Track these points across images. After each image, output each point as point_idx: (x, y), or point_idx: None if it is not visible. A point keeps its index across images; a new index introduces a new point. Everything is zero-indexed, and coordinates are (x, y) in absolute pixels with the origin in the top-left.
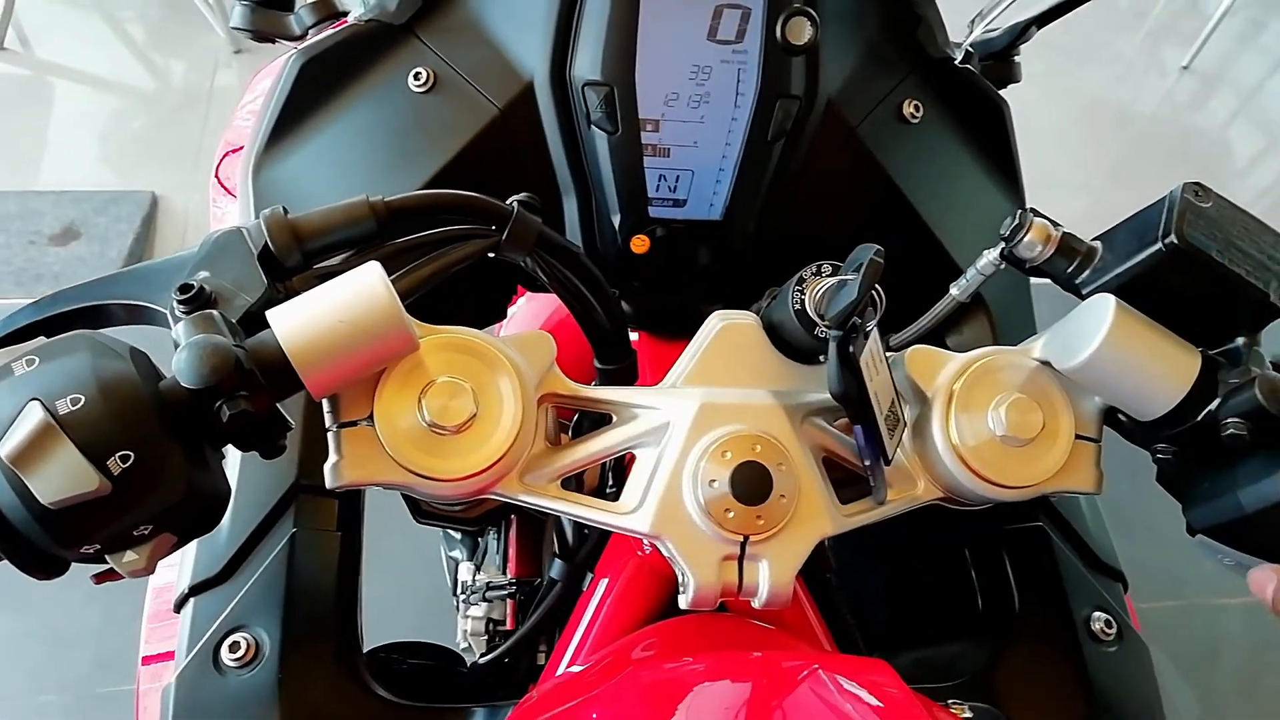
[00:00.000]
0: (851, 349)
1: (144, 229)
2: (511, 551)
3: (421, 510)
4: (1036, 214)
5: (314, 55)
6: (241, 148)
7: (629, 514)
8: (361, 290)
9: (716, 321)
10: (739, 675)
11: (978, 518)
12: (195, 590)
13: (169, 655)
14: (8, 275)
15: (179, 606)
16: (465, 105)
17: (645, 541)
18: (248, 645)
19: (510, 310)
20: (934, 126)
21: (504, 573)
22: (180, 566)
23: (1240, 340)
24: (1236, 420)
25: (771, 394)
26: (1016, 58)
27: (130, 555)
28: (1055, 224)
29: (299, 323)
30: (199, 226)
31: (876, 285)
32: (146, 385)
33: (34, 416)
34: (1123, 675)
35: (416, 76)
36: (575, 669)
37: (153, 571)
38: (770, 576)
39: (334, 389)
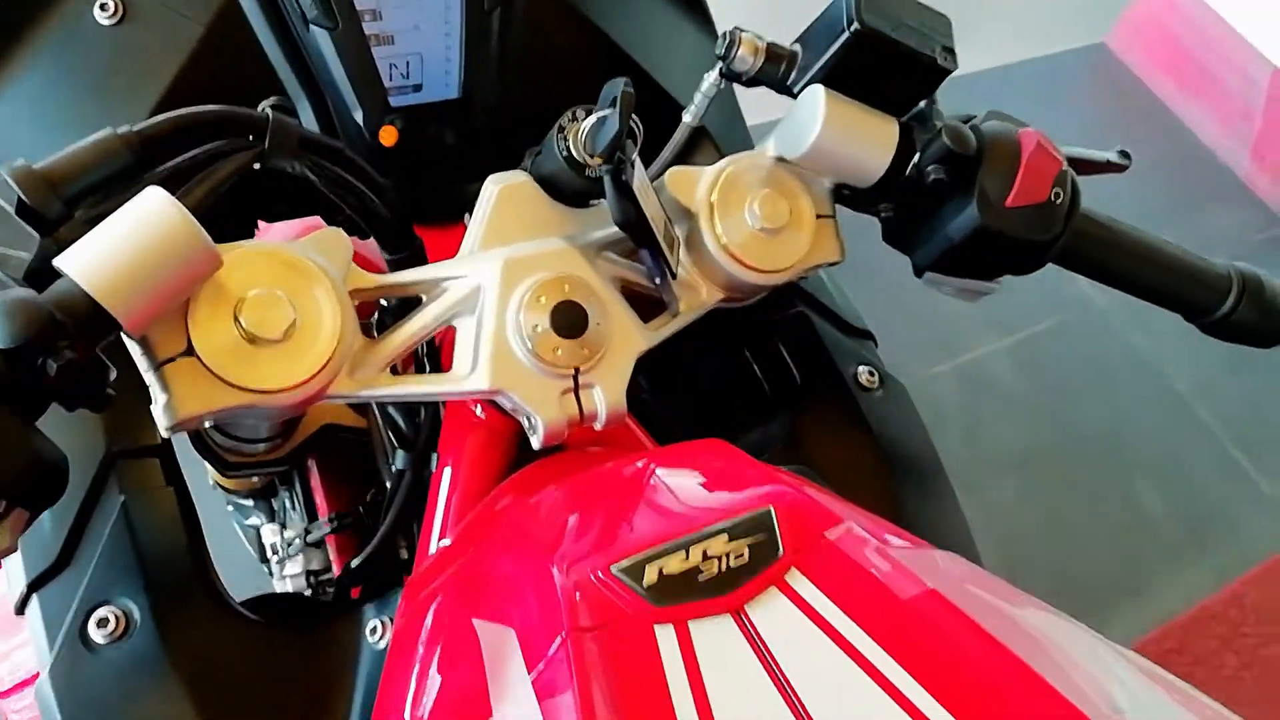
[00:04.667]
0: (624, 178)
1: None
2: (318, 496)
3: (227, 463)
4: (741, 30)
5: None
6: None
7: (465, 379)
8: (152, 215)
9: (492, 186)
10: (604, 486)
11: (750, 317)
12: (36, 585)
13: (29, 681)
14: None
15: (21, 608)
16: (165, 29)
17: (479, 408)
18: (116, 618)
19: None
20: None
21: (309, 520)
22: (7, 572)
23: (923, 104)
24: (935, 166)
25: (563, 240)
26: None
27: None
28: (759, 37)
29: (95, 262)
30: None
31: (634, 115)
32: None
33: None
34: (893, 414)
35: (102, 8)
36: (446, 542)
37: (15, 548)
38: (605, 398)
39: (148, 322)
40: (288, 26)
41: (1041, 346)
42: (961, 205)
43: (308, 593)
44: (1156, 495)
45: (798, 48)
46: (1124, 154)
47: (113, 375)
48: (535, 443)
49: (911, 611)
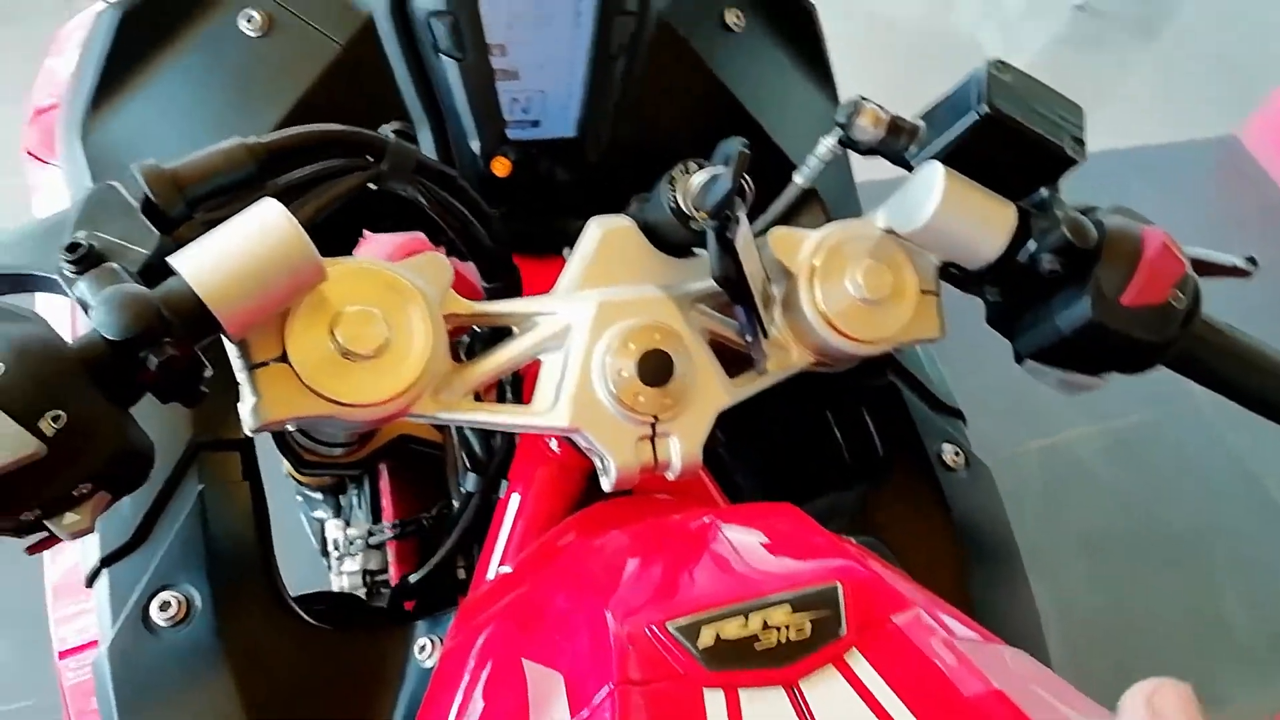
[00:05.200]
0: (729, 235)
1: None
2: (385, 500)
3: (304, 461)
4: (865, 100)
5: (134, 7)
6: (48, 109)
7: (545, 413)
8: (266, 225)
9: (595, 228)
10: (668, 538)
11: (837, 382)
12: (108, 561)
13: (89, 645)
14: None
15: (91, 581)
16: (305, 45)
17: (554, 441)
18: (179, 603)
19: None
20: (755, 33)
21: (374, 522)
22: (83, 546)
23: (1045, 191)
24: (1050, 257)
25: (658, 288)
26: None
27: (71, 516)
28: (882, 108)
29: (206, 264)
30: None
31: (744, 175)
32: (63, 344)
33: None
34: (975, 496)
35: (249, 20)
36: (506, 569)
37: (93, 530)
38: (681, 449)
39: (249, 327)
40: (419, 52)
41: (1135, 437)
42: (1074, 298)
43: (362, 591)
44: (1238, 601)
45: (921, 123)
46: (1251, 260)
47: (208, 373)
48: (606, 485)
49: (973, 710)
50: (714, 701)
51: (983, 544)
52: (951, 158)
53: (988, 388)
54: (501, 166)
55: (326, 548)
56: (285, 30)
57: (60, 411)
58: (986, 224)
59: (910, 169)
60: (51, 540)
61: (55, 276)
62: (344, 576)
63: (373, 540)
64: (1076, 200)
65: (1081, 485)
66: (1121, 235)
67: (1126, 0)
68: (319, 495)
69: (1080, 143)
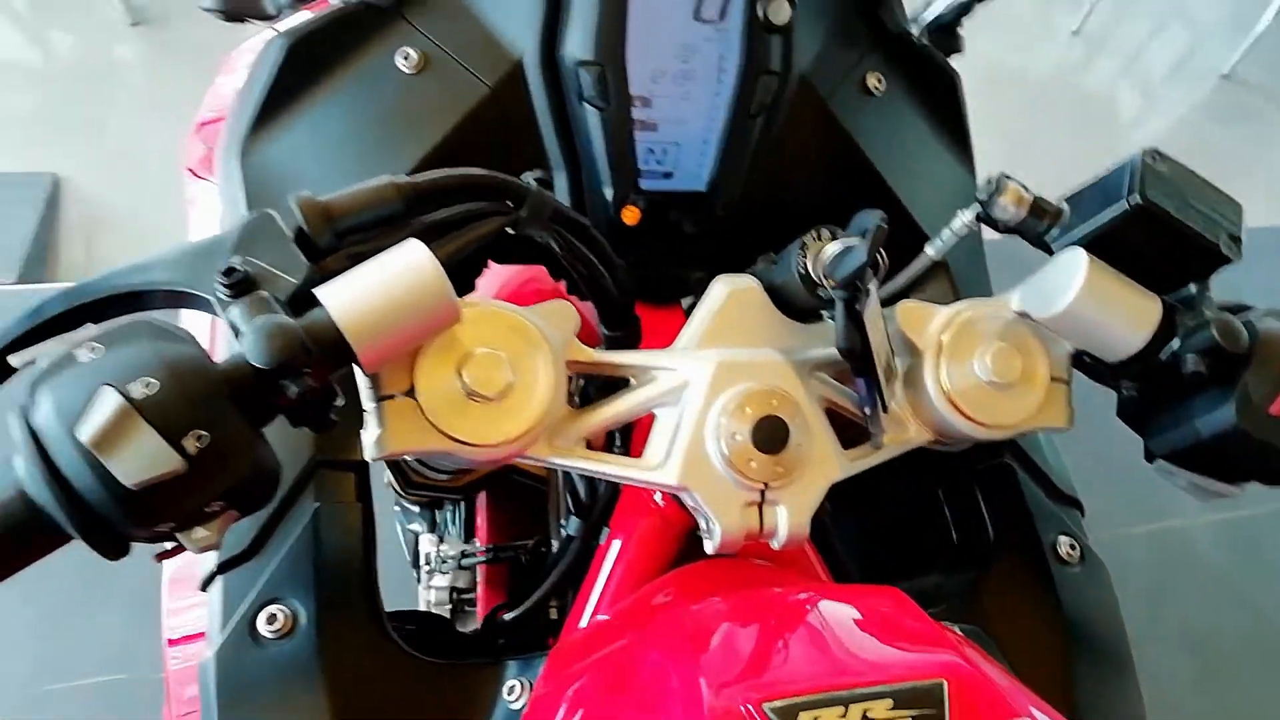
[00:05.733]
0: (857, 306)
1: (48, 211)
2: (480, 520)
3: (411, 482)
4: (1008, 178)
5: (301, 37)
6: (211, 122)
7: (655, 469)
8: (410, 266)
9: (721, 287)
10: (768, 610)
11: (951, 460)
12: (224, 568)
13: (195, 636)
14: None
15: (206, 585)
16: (455, 85)
17: (658, 495)
18: (285, 617)
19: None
20: (896, 98)
21: (465, 542)
22: None
23: (1194, 287)
24: (1195, 357)
25: (779, 352)
26: (960, 30)
27: (201, 531)
28: (1025, 187)
29: (350, 299)
30: (110, 208)
31: (881, 249)
32: (211, 365)
33: (110, 401)
34: (1089, 593)
35: (406, 58)
36: (601, 617)
37: (219, 545)
38: (789, 519)
39: (384, 362)
40: (563, 99)
41: (1254, 529)
42: (1217, 402)
43: (447, 608)
44: None
45: (1065, 206)
46: None
47: (339, 402)
48: (709, 547)
49: None
50: None
51: (1093, 643)
52: (1096, 245)
53: (1092, 462)
54: (631, 215)
55: (418, 560)
56: (439, 69)
57: (204, 431)
58: (1128, 316)
59: (1050, 252)
60: (179, 550)
61: (209, 297)
62: (431, 590)
63: (465, 561)
64: (1223, 293)
65: (1191, 576)
66: (1275, 341)
67: (1276, 72)
68: (416, 509)
69: (1236, 240)
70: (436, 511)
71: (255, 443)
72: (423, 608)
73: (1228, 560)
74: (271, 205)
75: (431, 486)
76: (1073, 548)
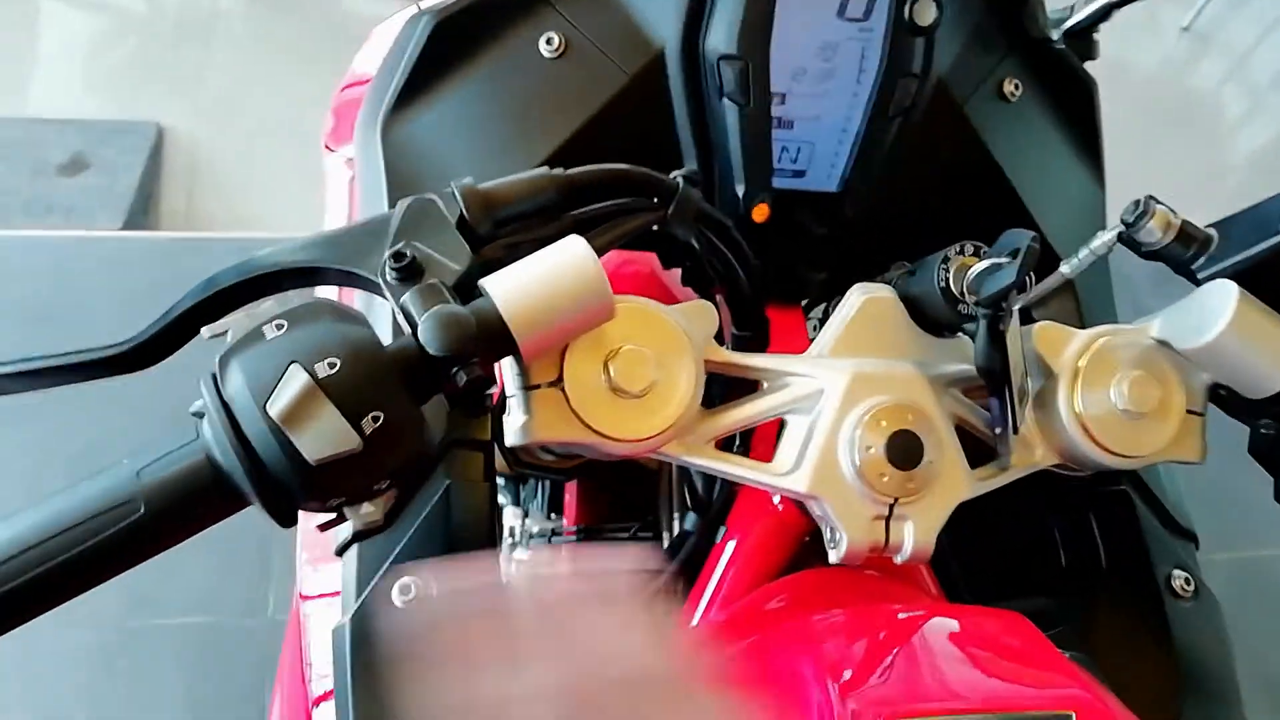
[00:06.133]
0: (1001, 327)
1: (151, 162)
2: (568, 498)
3: (520, 461)
4: (1156, 201)
5: (447, 17)
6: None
7: (786, 475)
8: (573, 261)
9: (858, 296)
10: (896, 626)
11: (1067, 482)
12: (359, 536)
13: (328, 594)
14: (16, 206)
15: (342, 551)
16: (596, 73)
17: (777, 498)
18: (417, 587)
19: None
20: (1031, 105)
21: (548, 519)
22: None
23: None
24: None
25: (915, 365)
26: (1096, 35)
27: (367, 508)
28: (1174, 212)
29: (515, 291)
30: (210, 158)
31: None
32: (383, 347)
33: (298, 379)
34: (1201, 630)
35: (549, 42)
36: (716, 616)
37: (386, 525)
38: (915, 536)
39: (540, 354)
40: (702, 93)
41: None
42: None
43: None
44: None
45: (1214, 232)
46: None
47: (494, 389)
48: (834, 558)
49: None
50: None
51: (1203, 682)
52: (1245, 276)
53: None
54: (761, 213)
55: (501, 533)
56: (580, 55)
57: (380, 413)
58: (1276, 354)
59: (1197, 282)
60: (339, 521)
61: (378, 279)
62: (513, 564)
63: (555, 540)
64: None
65: (1270, 608)
66: None
67: None
68: (502, 480)
69: None
70: (521, 486)
71: (422, 425)
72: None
73: None
74: (410, 183)
75: (539, 467)
76: (1187, 583)
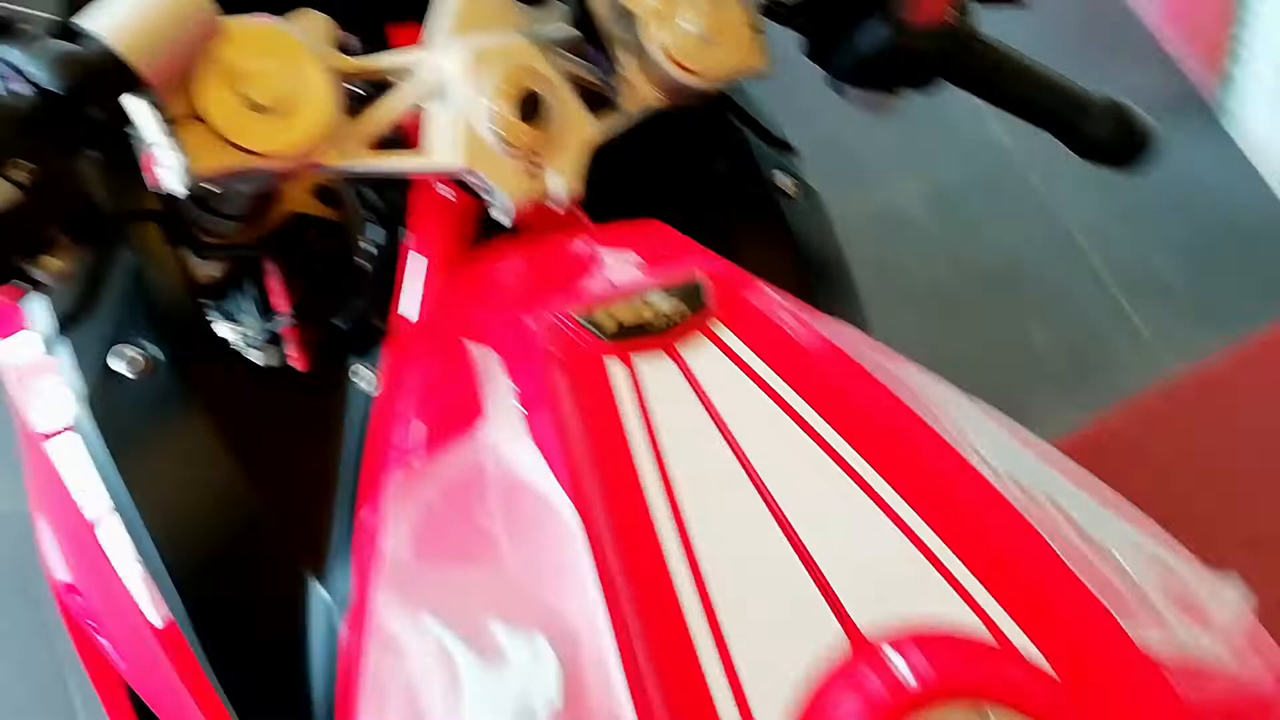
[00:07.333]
0: None
1: None
2: (275, 289)
3: (205, 245)
4: None
5: None
6: None
7: (437, 157)
8: None
9: None
10: (559, 254)
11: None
12: (64, 327)
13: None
14: None
15: (50, 351)
16: None
17: (444, 188)
18: (142, 358)
19: None
20: None
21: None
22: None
23: None
24: None
25: (523, 35)
26: None
27: (53, 261)
28: None
29: (114, 19)
30: None
31: None
32: (3, 99)
33: None
34: (810, 222)
35: None
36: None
37: (71, 273)
38: (564, 179)
39: (165, 82)
40: None
41: (954, 190)
42: (879, 26)
43: None
44: (1043, 332)
45: None
46: None
47: (130, 128)
48: (504, 219)
49: (822, 361)
50: (614, 366)
51: (823, 269)
52: None
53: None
54: None
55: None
56: None
57: (24, 160)
58: None
59: None
60: (34, 285)
61: None
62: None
63: (269, 327)
64: None
65: (908, 243)
66: None
67: None
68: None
69: None
70: (227, 304)
71: (78, 173)
72: None
73: (936, 223)
74: None
75: (225, 246)
76: (795, 184)
